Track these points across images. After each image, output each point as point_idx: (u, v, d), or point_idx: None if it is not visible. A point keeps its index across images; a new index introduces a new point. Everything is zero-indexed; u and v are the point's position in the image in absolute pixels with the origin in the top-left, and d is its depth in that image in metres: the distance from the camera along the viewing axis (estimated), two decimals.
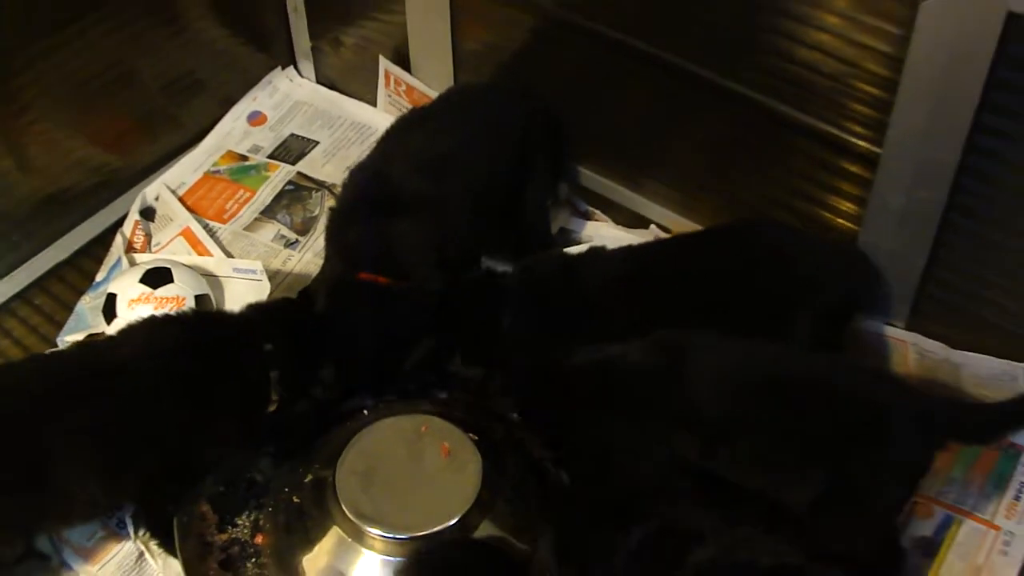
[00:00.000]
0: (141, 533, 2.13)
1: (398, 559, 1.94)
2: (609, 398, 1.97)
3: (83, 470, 1.94)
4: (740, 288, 2.14)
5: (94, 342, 2.27)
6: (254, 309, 2.17)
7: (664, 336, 1.97)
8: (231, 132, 2.93)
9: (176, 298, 2.34)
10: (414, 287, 2.19)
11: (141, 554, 2.12)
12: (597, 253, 2.36)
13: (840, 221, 2.26)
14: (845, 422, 1.87)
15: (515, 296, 2.21)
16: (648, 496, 1.85)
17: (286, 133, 2.94)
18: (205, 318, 2.21)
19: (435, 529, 1.95)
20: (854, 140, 2.13)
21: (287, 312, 2.19)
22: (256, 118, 2.97)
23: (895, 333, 2.27)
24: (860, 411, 1.88)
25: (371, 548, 1.96)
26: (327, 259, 2.34)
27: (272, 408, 2.12)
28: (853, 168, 2.18)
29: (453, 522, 1.95)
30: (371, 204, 2.26)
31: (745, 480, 1.97)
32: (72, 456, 1.92)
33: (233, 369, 2.07)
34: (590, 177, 2.64)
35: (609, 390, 1.97)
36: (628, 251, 2.30)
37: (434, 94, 2.75)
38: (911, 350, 2.25)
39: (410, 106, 2.81)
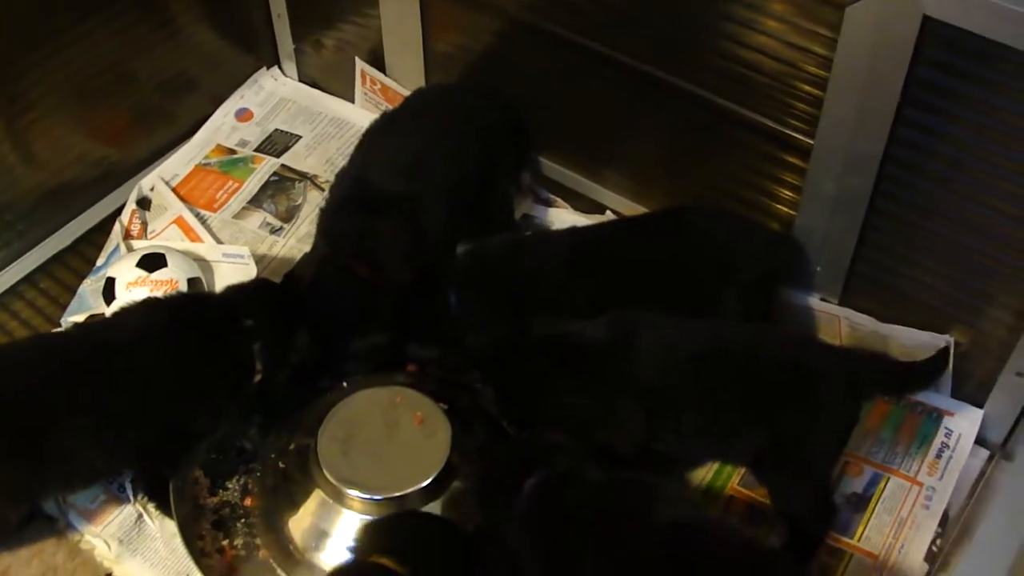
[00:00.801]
0: (140, 497, 2.21)
1: (376, 518, 2.03)
2: (566, 369, 2.05)
3: (84, 441, 2.02)
4: (673, 267, 2.23)
5: (93, 323, 2.37)
6: (234, 289, 2.24)
7: (617, 314, 2.06)
8: (220, 127, 2.98)
9: (170, 281, 2.40)
10: (386, 280, 2.28)
11: (140, 516, 2.20)
12: (540, 236, 2.48)
13: (779, 207, 2.34)
14: (778, 384, 1.97)
15: (460, 279, 2.29)
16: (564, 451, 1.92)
17: (271, 128, 2.99)
18: (192, 299, 2.27)
19: (409, 490, 2.05)
20: (791, 133, 2.21)
21: (264, 291, 2.26)
22: (243, 114, 3.02)
23: (828, 308, 2.36)
24: (791, 373, 1.98)
25: (351, 508, 2.06)
26: (315, 246, 2.41)
27: (257, 379, 2.18)
28: (790, 158, 2.26)
29: (426, 483, 2.05)
30: (353, 204, 2.35)
31: (689, 450, 2.10)
32: (73, 428, 2.00)
33: (217, 344, 2.13)
34: (551, 167, 2.71)
35: (566, 362, 2.06)
36: (571, 233, 2.39)
37: (407, 92, 2.81)
38: (843, 323, 2.35)
39: (385, 103, 2.90)
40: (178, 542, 2.13)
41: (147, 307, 2.16)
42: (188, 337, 2.11)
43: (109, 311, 2.40)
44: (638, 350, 2.01)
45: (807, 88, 2.14)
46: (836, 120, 2.10)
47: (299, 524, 2.11)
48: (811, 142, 2.18)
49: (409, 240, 2.31)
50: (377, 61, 2.89)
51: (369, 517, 2.05)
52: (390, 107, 2.85)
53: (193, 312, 2.17)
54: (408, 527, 1.92)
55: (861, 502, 2.17)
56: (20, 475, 2.02)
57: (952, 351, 2.23)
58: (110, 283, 2.43)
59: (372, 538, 1.89)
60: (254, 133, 2.99)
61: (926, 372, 2.13)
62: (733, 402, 1.99)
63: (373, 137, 2.50)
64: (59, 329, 2.49)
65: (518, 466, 1.87)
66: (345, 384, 2.32)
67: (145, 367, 2.06)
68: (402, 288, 2.30)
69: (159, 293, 2.36)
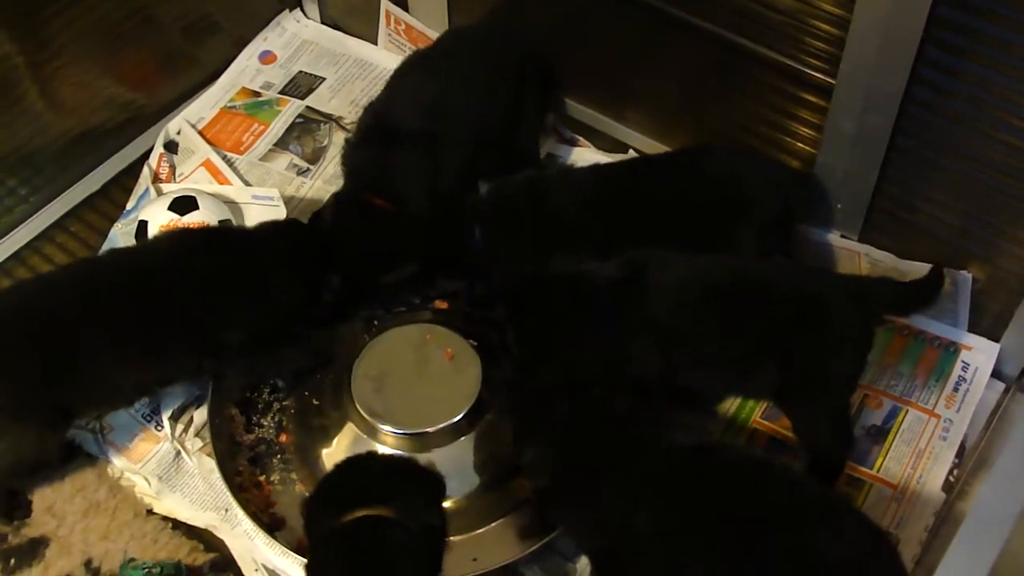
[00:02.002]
0: (178, 433, 2.27)
1: (408, 452, 2.09)
2: (582, 308, 2.09)
3: (112, 358, 2.07)
4: (692, 205, 2.26)
5: (128, 248, 2.40)
6: (264, 225, 2.28)
7: (632, 254, 2.08)
8: (245, 70, 2.99)
9: (201, 223, 2.42)
10: (404, 211, 2.31)
11: (178, 453, 2.26)
12: (562, 174, 2.50)
13: (800, 145, 2.36)
14: (789, 314, 2.00)
15: (484, 214, 2.32)
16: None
17: (295, 70, 2.99)
18: (222, 230, 2.32)
19: (442, 425, 2.11)
20: (811, 72, 2.22)
21: (293, 229, 2.30)
22: (267, 57, 3.03)
23: (849, 244, 2.39)
24: (802, 300, 2.01)
25: (383, 443, 2.13)
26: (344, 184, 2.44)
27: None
28: (810, 97, 2.27)
29: (457, 418, 2.11)
30: (375, 137, 2.38)
31: (704, 382, 2.12)
32: (106, 348, 2.05)
33: (245, 274, 2.16)
34: (574, 107, 2.73)
35: (582, 301, 2.09)
36: (592, 171, 2.41)
37: (431, 32, 2.83)
38: (863, 259, 2.38)
39: (409, 44, 2.91)
40: (216, 478, 2.17)
41: (181, 235, 2.22)
42: (217, 264, 2.15)
43: None
44: (650, 288, 2.04)
45: (828, 28, 2.14)
46: (857, 59, 2.11)
47: (333, 458, 2.10)
48: (832, 81, 2.19)
49: (426, 173, 2.34)
50: (400, 1, 2.90)
51: (401, 452, 2.10)
52: (414, 47, 2.88)
53: (223, 240, 2.21)
54: (382, 472, 1.86)
55: (880, 434, 2.22)
56: (55, 399, 2.06)
57: (969, 286, 2.27)
58: (142, 226, 2.46)
59: (350, 493, 1.80)
60: (278, 75, 3.00)
61: (926, 289, 2.13)
62: (745, 334, 2.02)
63: (401, 76, 2.52)
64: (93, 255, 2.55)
65: (550, 398, 1.94)
66: (376, 322, 2.37)
67: (176, 287, 2.10)
68: (425, 223, 2.33)
69: None
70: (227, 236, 2.25)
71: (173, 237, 2.22)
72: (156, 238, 2.25)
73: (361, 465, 1.87)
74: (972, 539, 1.31)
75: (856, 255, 2.40)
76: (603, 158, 2.67)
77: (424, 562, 1.74)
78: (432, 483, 1.84)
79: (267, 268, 2.16)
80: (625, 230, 2.26)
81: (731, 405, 2.27)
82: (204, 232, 2.24)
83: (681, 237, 2.19)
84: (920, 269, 2.27)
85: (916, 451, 2.19)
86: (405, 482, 1.81)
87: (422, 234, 2.32)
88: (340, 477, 1.84)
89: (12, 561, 2.12)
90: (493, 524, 2.13)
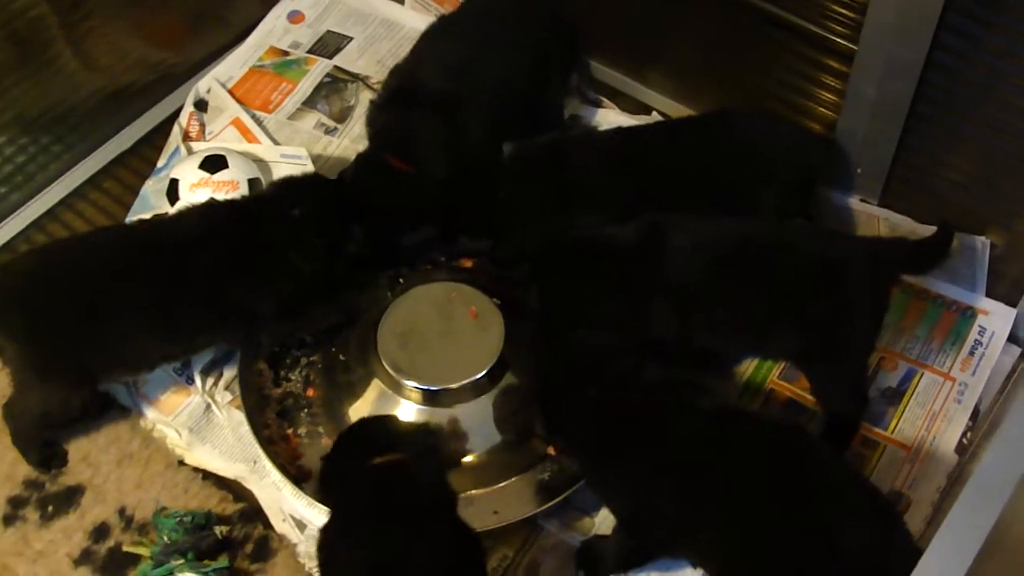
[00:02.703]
0: (208, 387, 2.32)
1: (432, 408, 2.16)
2: (600, 271, 2.12)
3: (141, 326, 2.11)
4: (713, 168, 2.28)
5: (159, 218, 2.41)
6: (285, 181, 2.30)
7: (650, 217, 2.10)
8: (273, 29, 3.00)
9: (232, 182, 2.46)
10: (422, 173, 2.34)
11: (208, 406, 2.31)
12: (584, 136, 2.51)
13: (821, 110, 2.39)
14: (806, 275, 2.02)
15: (506, 176, 2.35)
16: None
17: (323, 30, 3.00)
18: (247, 202, 2.30)
19: (465, 381, 2.15)
20: (833, 38, 2.25)
21: (314, 182, 2.32)
22: (295, 16, 3.03)
23: (868, 208, 2.43)
24: (818, 263, 2.03)
25: (408, 398, 2.17)
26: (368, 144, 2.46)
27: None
28: (833, 63, 2.30)
29: (480, 375, 2.15)
30: (399, 100, 2.41)
31: (720, 344, 2.15)
32: (132, 313, 2.09)
33: (268, 230, 2.18)
34: (599, 69, 2.76)
35: (600, 264, 2.12)
36: (614, 134, 2.44)
37: None
38: (882, 224, 2.41)
39: (435, 5, 2.93)
40: (245, 430, 2.22)
41: (208, 206, 2.24)
42: (245, 237, 2.18)
43: (172, 211, 2.46)
44: (666, 252, 2.07)
45: None
46: (879, 25, 2.13)
47: (359, 413, 2.20)
48: (854, 47, 2.21)
49: (444, 137, 2.36)
50: None
51: (425, 407, 2.16)
52: (440, 8, 2.90)
53: (249, 215, 2.23)
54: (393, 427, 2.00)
55: (896, 396, 2.25)
56: (81, 361, 2.11)
57: (987, 252, 2.32)
58: (174, 184, 2.50)
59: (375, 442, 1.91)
60: (306, 35, 3.01)
61: (936, 247, 2.15)
62: (761, 296, 2.04)
63: (428, 38, 2.54)
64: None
65: (577, 374, 1.94)
66: (402, 279, 2.40)
67: (206, 265, 2.13)
68: (443, 185, 2.35)
69: (221, 193, 2.43)
70: (252, 207, 2.26)
71: (202, 210, 2.24)
72: (186, 211, 2.28)
73: (379, 422, 2.02)
74: (972, 502, 1.34)
75: (875, 219, 2.42)
76: (627, 120, 2.69)
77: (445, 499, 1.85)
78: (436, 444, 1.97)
79: (293, 234, 2.18)
80: (646, 193, 2.28)
81: (748, 366, 2.30)
82: (231, 205, 2.26)
83: (702, 200, 2.22)
84: None
85: (930, 413, 2.22)
86: (419, 438, 1.92)
87: (439, 196, 2.35)
88: (362, 430, 1.96)
89: (50, 508, 2.18)
90: (514, 479, 2.17)
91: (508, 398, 2.15)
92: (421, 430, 2.06)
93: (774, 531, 1.72)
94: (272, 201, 2.26)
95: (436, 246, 2.46)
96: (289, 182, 2.31)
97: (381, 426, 2.00)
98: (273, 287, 2.18)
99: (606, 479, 1.92)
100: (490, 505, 2.11)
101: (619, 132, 2.47)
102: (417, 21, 2.93)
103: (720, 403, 1.89)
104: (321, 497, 2.02)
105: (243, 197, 2.37)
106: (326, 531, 1.82)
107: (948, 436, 2.19)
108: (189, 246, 2.14)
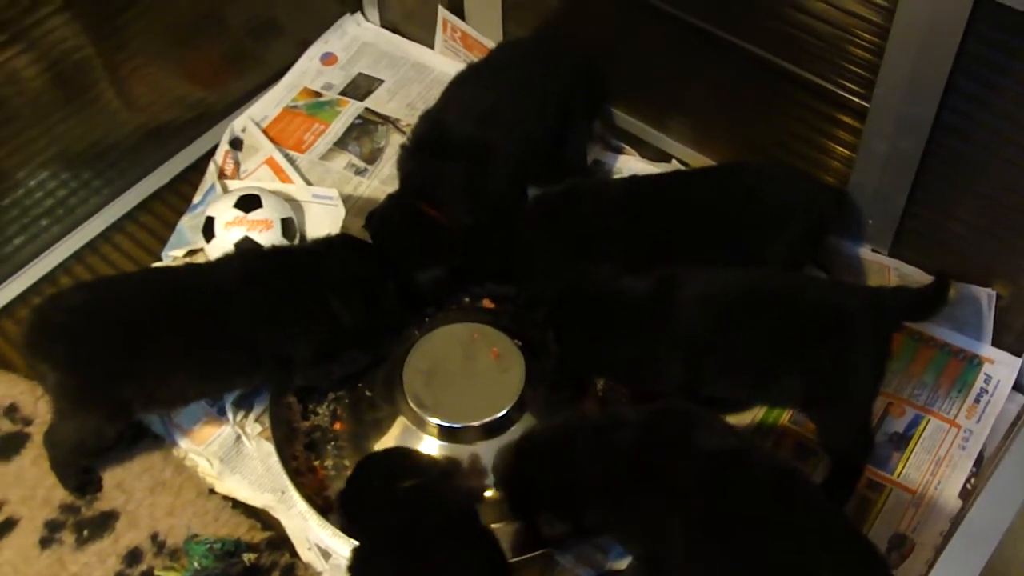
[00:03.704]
0: (239, 419, 2.38)
1: (454, 444, 2.20)
2: (614, 319, 2.17)
3: (179, 367, 2.18)
4: (723, 217, 2.33)
5: (200, 265, 2.47)
6: (324, 242, 2.36)
7: (662, 272, 2.15)
8: (307, 71, 3.07)
9: (265, 221, 2.52)
10: (447, 218, 2.40)
11: (239, 437, 2.36)
12: (600, 183, 2.58)
13: (835, 163, 2.44)
14: (811, 323, 2.06)
15: (525, 220, 2.41)
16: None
17: (355, 72, 3.07)
18: (287, 252, 2.37)
19: (486, 420, 2.20)
20: (847, 96, 2.30)
21: (351, 243, 2.37)
22: (328, 58, 3.11)
23: (879, 259, 2.47)
24: (822, 311, 2.07)
25: (431, 434, 2.22)
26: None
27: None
28: (846, 119, 2.35)
29: (501, 414, 2.20)
30: (427, 146, 2.46)
31: (729, 392, 2.20)
32: (172, 354, 2.16)
33: (303, 288, 2.24)
34: (621, 117, 2.81)
35: (614, 313, 2.17)
36: (629, 181, 2.49)
37: (486, 40, 2.91)
38: (893, 273, 2.46)
39: (464, 51, 3.00)
40: (274, 461, 2.27)
41: (246, 255, 2.33)
42: (285, 287, 2.24)
43: (208, 247, 2.55)
44: (676, 303, 2.11)
45: (864, 54, 2.22)
46: (890, 85, 2.19)
47: (384, 447, 2.24)
48: (866, 105, 2.27)
49: (471, 184, 2.42)
50: (456, 9, 2.98)
51: (447, 444, 2.21)
52: (469, 54, 2.97)
53: (284, 260, 2.30)
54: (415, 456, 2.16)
55: (902, 441, 2.30)
56: (118, 395, 2.17)
57: (993, 303, 2.36)
58: (209, 222, 2.55)
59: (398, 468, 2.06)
60: (339, 77, 3.07)
61: (934, 295, 2.18)
62: (767, 345, 2.08)
63: (456, 86, 2.59)
64: (162, 263, 2.65)
65: (564, 443, 2.01)
66: (427, 319, 2.45)
67: (246, 312, 2.20)
68: (465, 229, 2.41)
69: (255, 232, 2.50)
70: (292, 258, 2.33)
71: (244, 259, 2.32)
72: (227, 257, 2.35)
73: (396, 452, 2.15)
74: (962, 549, 1.41)
75: (886, 269, 2.47)
76: (647, 167, 2.75)
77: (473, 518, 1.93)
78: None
79: (330, 288, 2.25)
80: (658, 239, 2.33)
81: (759, 410, 2.35)
82: (271, 254, 2.33)
83: (713, 247, 2.28)
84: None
85: (936, 459, 2.27)
86: (437, 464, 2.07)
87: (458, 240, 2.40)
88: (382, 459, 2.09)
89: (85, 532, 2.24)
90: None
91: (505, 453, 2.18)
92: (440, 460, 2.15)
93: (756, 570, 1.78)
94: (312, 253, 2.33)
95: (462, 288, 2.51)
96: (326, 240, 2.38)
97: (398, 454, 2.11)
98: (311, 335, 2.24)
99: (620, 526, 1.98)
100: (508, 539, 2.12)
101: (633, 180, 2.52)
102: (447, 65, 3.01)
103: (728, 443, 1.93)
104: (343, 522, 2.08)
105: (283, 247, 2.43)
106: (357, 554, 1.89)
107: (952, 481, 2.23)
108: (229, 293, 2.20)
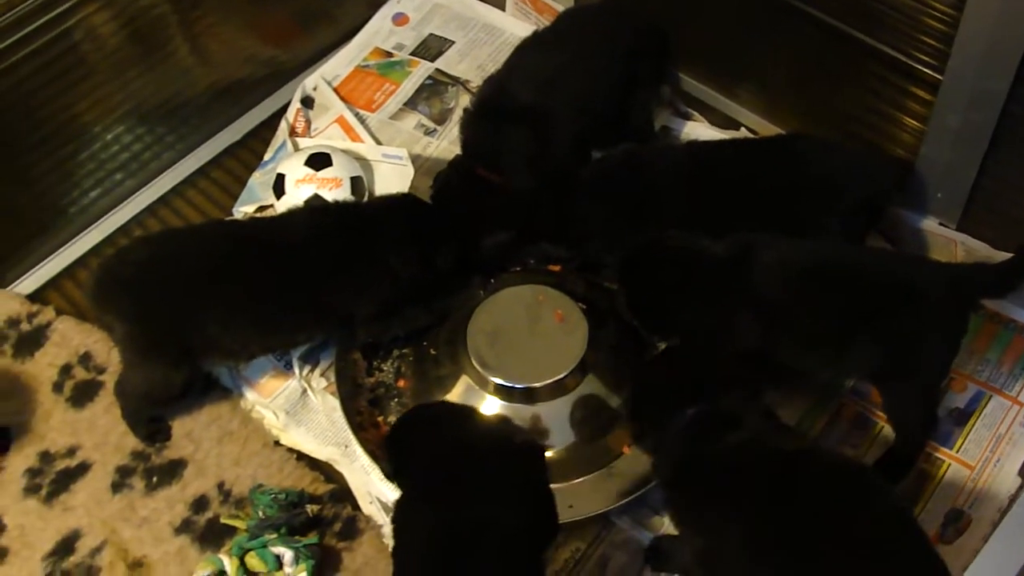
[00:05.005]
0: (305, 373, 2.42)
1: (516, 404, 2.23)
2: (691, 280, 2.16)
3: (244, 319, 2.22)
4: (780, 188, 2.32)
5: (267, 218, 2.53)
6: (385, 200, 2.41)
7: (739, 235, 2.15)
8: (378, 31, 3.09)
9: (335, 179, 2.55)
10: (507, 183, 2.42)
11: (304, 391, 2.40)
12: (659, 149, 2.58)
13: (905, 136, 2.42)
14: (890, 296, 2.05)
15: (587, 184, 2.42)
16: (712, 383, 2.01)
17: (426, 33, 3.09)
18: (351, 208, 2.39)
19: (547, 381, 2.23)
20: (920, 67, 2.28)
21: (411, 202, 2.40)
22: (400, 19, 3.13)
23: (946, 232, 2.45)
24: (902, 286, 2.05)
25: (493, 394, 2.25)
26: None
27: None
28: (918, 91, 2.33)
29: (562, 376, 2.22)
30: (489, 110, 2.49)
31: (799, 360, 2.17)
32: (234, 305, 2.20)
33: (364, 244, 2.27)
34: (690, 83, 2.81)
35: (692, 274, 2.16)
36: (687, 147, 2.50)
37: (556, 3, 2.90)
38: (959, 248, 2.44)
39: (535, 13, 3.00)
40: (338, 415, 2.32)
41: (313, 212, 2.36)
42: (348, 243, 2.28)
43: (278, 203, 2.59)
44: (755, 267, 2.11)
45: (939, 25, 2.20)
46: (965, 58, 2.16)
47: None
48: (939, 77, 2.24)
49: (531, 149, 2.44)
50: None
51: (509, 404, 2.24)
52: (540, 17, 2.97)
53: (349, 218, 2.33)
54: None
55: (963, 416, 2.30)
56: (183, 344, 2.21)
57: None
58: (280, 179, 2.59)
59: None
60: (410, 37, 3.10)
61: (1013, 272, 2.13)
62: (844, 316, 2.08)
63: (521, 51, 2.61)
64: (233, 218, 2.69)
65: (676, 391, 2.00)
66: (492, 280, 2.48)
67: (311, 267, 2.23)
68: (526, 194, 2.43)
69: (325, 190, 2.54)
70: (355, 215, 2.35)
71: (310, 214, 2.36)
72: (291, 212, 2.38)
73: (444, 404, 2.22)
74: (1018, 526, 1.41)
75: (953, 243, 2.45)
76: (716, 133, 2.75)
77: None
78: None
79: (392, 245, 2.27)
80: (713, 205, 2.33)
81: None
82: (335, 210, 2.36)
83: (767, 217, 2.25)
84: None
85: (996, 436, 2.26)
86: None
87: (520, 205, 2.42)
88: (430, 410, 2.12)
89: (154, 479, 2.30)
90: (590, 475, 2.25)
91: (585, 403, 2.23)
92: (492, 416, 2.17)
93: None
94: (374, 210, 2.37)
95: (514, 252, 2.52)
96: (389, 199, 2.42)
97: (446, 406, 2.14)
98: (371, 291, 2.27)
99: (683, 511, 1.97)
100: (566, 499, 2.15)
101: (691, 147, 2.53)
102: (517, 28, 3.02)
103: (797, 445, 1.92)
104: (388, 468, 2.10)
105: (347, 203, 2.44)
106: (399, 505, 1.89)
107: (1012, 459, 2.23)
108: (294, 248, 2.23)
